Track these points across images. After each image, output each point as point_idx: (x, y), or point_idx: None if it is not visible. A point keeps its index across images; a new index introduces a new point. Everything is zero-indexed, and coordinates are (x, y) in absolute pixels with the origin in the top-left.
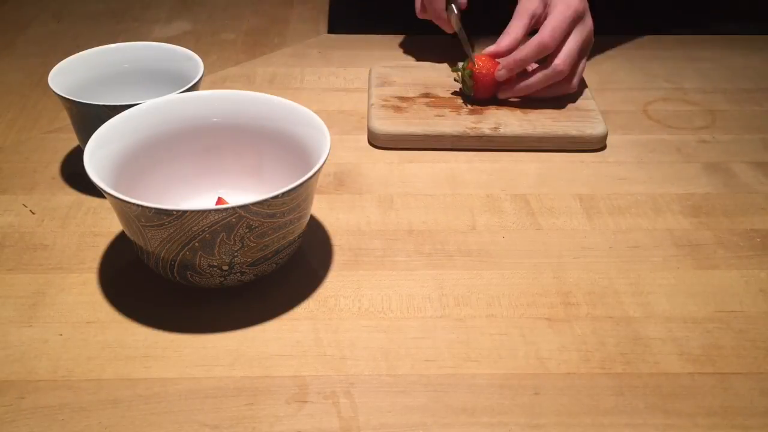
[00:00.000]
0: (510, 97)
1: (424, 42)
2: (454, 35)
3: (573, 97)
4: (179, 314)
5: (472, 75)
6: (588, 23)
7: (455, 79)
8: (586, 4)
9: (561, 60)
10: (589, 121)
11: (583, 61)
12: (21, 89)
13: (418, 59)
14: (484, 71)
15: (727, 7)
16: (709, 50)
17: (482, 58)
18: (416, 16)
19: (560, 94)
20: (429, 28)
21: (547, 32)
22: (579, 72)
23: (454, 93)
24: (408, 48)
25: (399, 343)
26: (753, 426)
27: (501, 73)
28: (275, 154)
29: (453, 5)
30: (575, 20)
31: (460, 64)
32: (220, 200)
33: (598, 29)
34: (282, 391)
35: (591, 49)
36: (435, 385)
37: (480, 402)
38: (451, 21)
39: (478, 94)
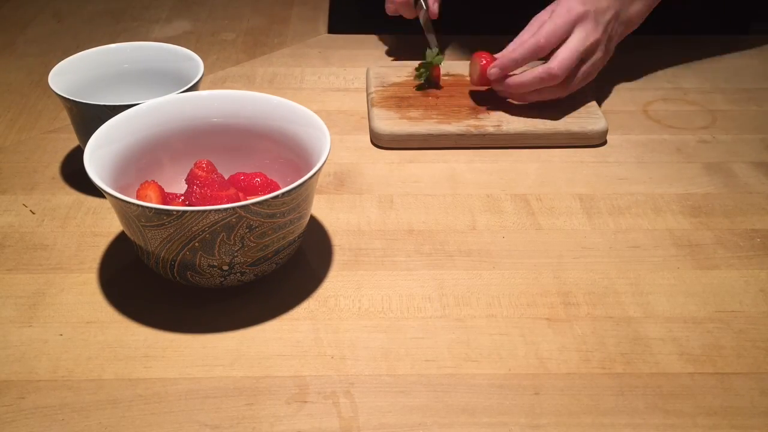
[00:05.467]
0: (503, 94)
1: (424, 42)
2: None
3: (573, 94)
4: (179, 314)
5: (430, 68)
6: (591, 30)
7: (416, 74)
8: (592, 12)
9: (556, 63)
10: (589, 116)
11: (585, 68)
12: (21, 89)
13: (418, 59)
14: (483, 62)
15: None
16: (709, 50)
17: (484, 54)
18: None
19: (552, 99)
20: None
21: (542, 33)
22: (577, 79)
23: (451, 93)
24: (408, 48)
25: (399, 343)
26: (753, 426)
27: (493, 71)
28: (275, 154)
29: (422, 2)
30: (575, 22)
31: (428, 52)
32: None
33: None
34: (282, 391)
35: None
36: (435, 385)
37: (480, 402)
38: (419, 16)
39: (474, 83)
